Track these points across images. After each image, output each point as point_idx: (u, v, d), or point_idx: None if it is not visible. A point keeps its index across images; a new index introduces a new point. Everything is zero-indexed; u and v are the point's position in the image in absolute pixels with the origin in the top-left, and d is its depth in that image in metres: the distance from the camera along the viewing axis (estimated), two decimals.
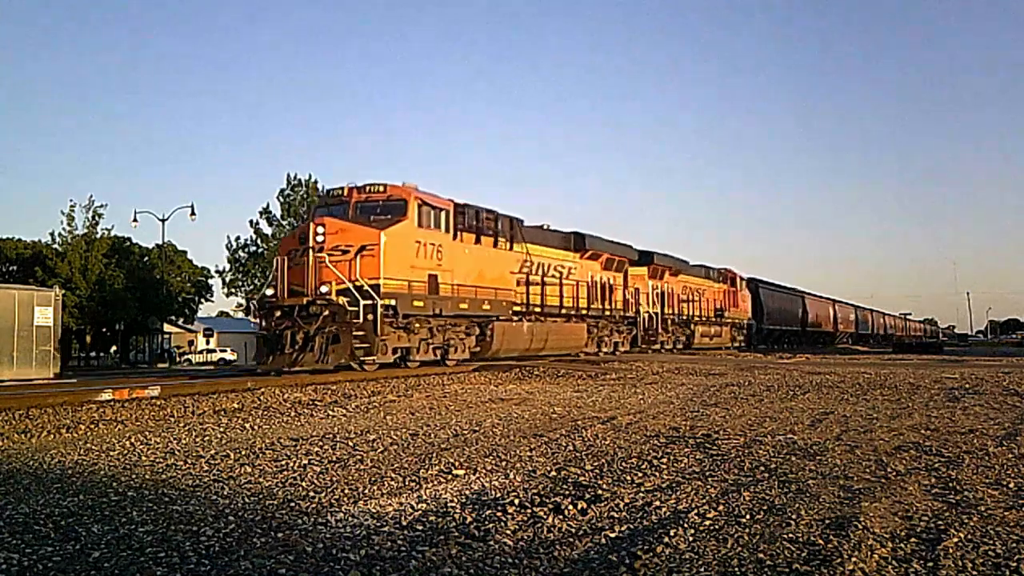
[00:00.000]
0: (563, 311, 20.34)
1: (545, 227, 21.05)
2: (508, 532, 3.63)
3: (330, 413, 8.35)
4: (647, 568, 3.10)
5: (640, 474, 4.98)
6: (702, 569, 3.09)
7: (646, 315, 25.87)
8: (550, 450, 5.92)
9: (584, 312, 21.59)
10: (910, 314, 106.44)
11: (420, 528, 3.70)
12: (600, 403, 9.54)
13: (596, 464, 5.32)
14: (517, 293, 18.03)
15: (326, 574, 3.03)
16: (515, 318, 18.05)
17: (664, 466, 5.25)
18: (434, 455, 5.67)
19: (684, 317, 29.88)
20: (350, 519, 3.85)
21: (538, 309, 19.05)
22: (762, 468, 5.18)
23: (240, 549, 3.33)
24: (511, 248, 18.11)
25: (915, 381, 13.25)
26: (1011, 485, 4.65)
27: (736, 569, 3.09)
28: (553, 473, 5.03)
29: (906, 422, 7.68)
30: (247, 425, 7.33)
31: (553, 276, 20.00)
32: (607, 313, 23.37)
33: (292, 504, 4.16)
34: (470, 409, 8.78)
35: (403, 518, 3.88)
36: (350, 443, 6.22)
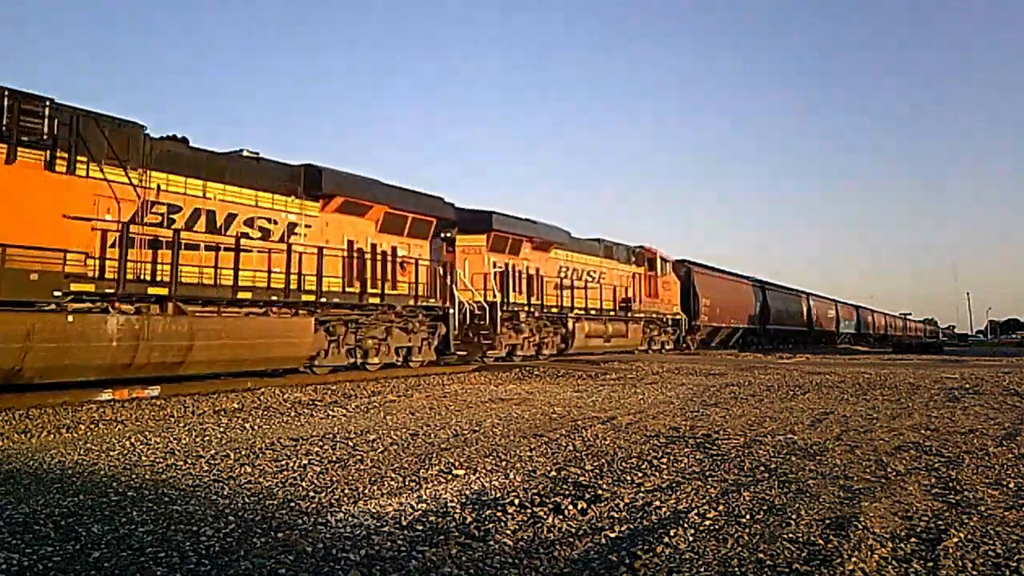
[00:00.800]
0: (246, 295, 11.39)
1: (244, 153, 12.21)
2: (508, 532, 3.63)
3: (330, 413, 8.35)
4: (647, 568, 3.10)
5: (640, 474, 4.98)
6: (702, 569, 3.09)
7: (473, 305, 16.81)
8: (550, 450, 5.92)
9: (315, 299, 12.39)
10: (910, 314, 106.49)
11: (420, 528, 3.70)
12: (600, 403, 9.54)
13: (596, 464, 5.33)
14: (109, 263, 9.75)
15: (326, 574, 3.04)
16: (76, 305, 9.39)
17: (664, 466, 5.25)
18: (434, 455, 5.67)
19: (557, 310, 20.29)
20: (350, 519, 3.86)
21: (163, 290, 10.28)
22: (762, 468, 5.18)
23: (240, 549, 3.33)
24: (73, 171, 9.49)
25: (915, 381, 13.25)
26: (1011, 485, 4.66)
27: (736, 569, 3.09)
28: (553, 473, 5.03)
29: (906, 422, 7.68)
30: (247, 425, 7.33)
31: (230, 235, 11.38)
32: (373, 300, 13.77)
33: (292, 504, 4.16)
34: (470, 409, 8.78)
35: (403, 518, 3.88)
36: (350, 443, 6.22)
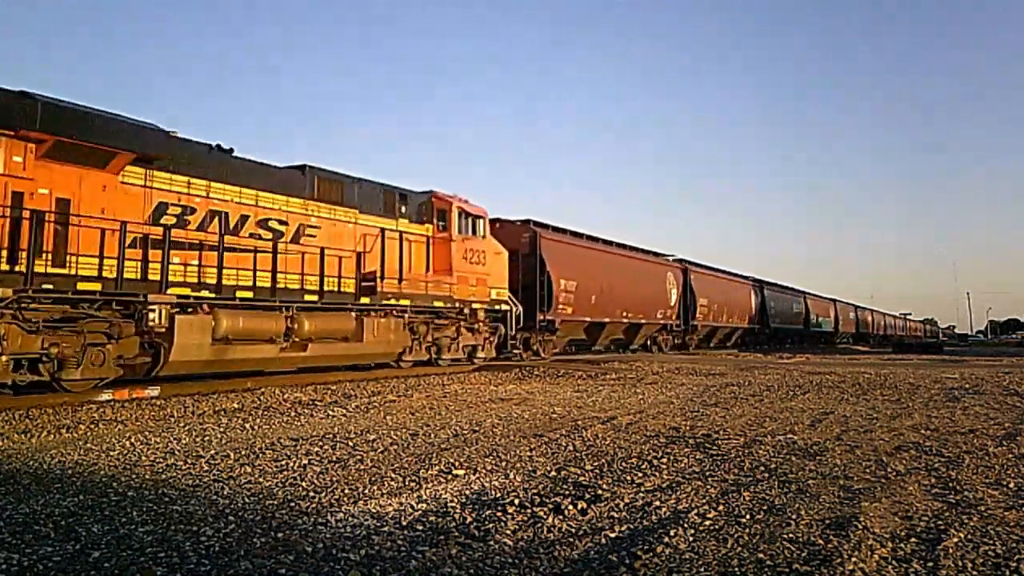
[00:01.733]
0: None
1: None
2: (508, 532, 3.63)
3: (330, 413, 8.35)
4: (647, 568, 3.10)
5: (640, 474, 4.98)
6: (702, 569, 3.09)
7: None
8: (550, 450, 5.92)
9: None
10: (910, 314, 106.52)
11: (420, 528, 3.70)
12: (600, 403, 9.54)
13: (596, 464, 5.32)
14: None
15: (326, 574, 3.03)
16: None
17: (664, 466, 5.25)
18: (434, 455, 5.67)
19: (99, 287, 9.46)
20: (350, 519, 3.85)
21: None
22: (762, 468, 5.18)
23: (240, 549, 3.33)
24: None
25: (915, 381, 13.25)
26: (1011, 485, 4.66)
27: (736, 569, 3.09)
28: (553, 473, 5.03)
29: (906, 422, 7.68)
30: (247, 425, 7.33)
31: None
32: None
33: (292, 504, 4.16)
34: (470, 409, 8.78)
35: (403, 518, 3.88)
36: (350, 443, 6.22)
